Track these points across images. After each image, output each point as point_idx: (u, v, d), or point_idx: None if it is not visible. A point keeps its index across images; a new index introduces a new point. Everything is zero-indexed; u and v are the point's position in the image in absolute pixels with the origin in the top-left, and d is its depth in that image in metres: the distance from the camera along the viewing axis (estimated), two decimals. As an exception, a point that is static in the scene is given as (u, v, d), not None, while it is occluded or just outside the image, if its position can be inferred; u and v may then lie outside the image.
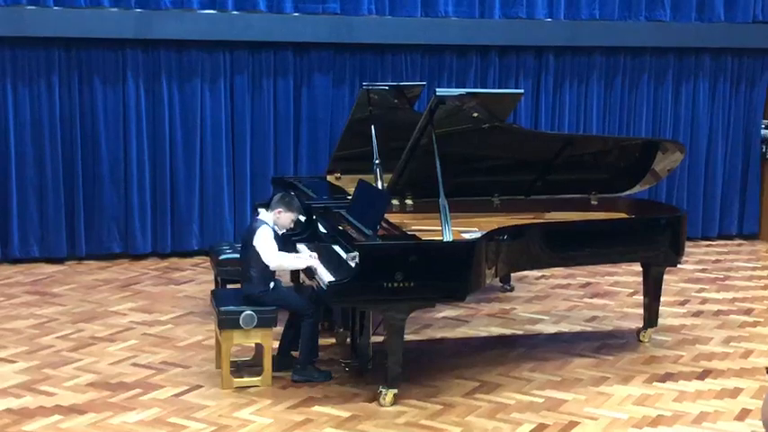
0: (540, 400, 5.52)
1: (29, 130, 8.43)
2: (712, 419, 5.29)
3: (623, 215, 6.74)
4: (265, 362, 5.63)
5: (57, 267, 8.49)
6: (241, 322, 5.51)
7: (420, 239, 5.54)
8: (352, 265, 5.29)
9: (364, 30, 8.98)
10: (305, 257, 5.67)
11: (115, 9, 8.45)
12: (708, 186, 10.30)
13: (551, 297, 7.82)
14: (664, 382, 5.88)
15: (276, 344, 5.85)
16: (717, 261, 9.36)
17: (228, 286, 6.60)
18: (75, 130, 8.54)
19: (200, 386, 5.63)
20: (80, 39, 8.41)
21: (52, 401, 5.35)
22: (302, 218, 6.44)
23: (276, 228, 5.65)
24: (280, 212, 5.64)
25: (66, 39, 8.38)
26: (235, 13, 8.73)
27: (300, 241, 6.15)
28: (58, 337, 6.50)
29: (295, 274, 6.79)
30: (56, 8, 8.30)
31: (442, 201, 5.45)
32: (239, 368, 5.81)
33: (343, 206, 6.22)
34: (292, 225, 5.83)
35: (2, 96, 8.34)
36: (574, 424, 5.19)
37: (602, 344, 6.59)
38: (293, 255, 5.77)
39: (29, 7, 8.24)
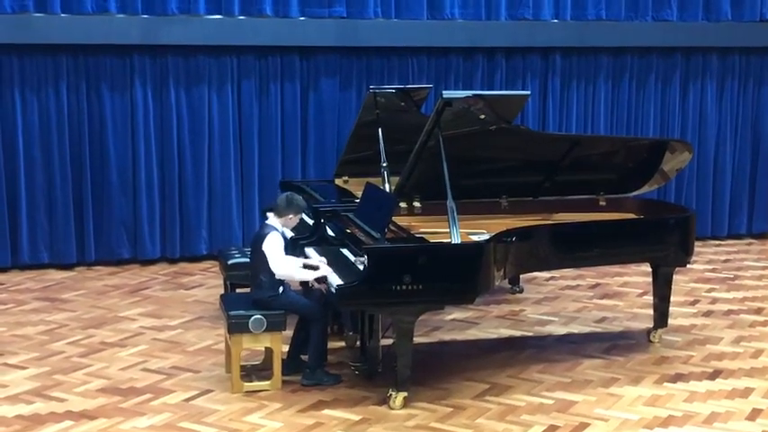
0: (550, 402, 5.51)
1: (37, 137, 8.46)
2: (723, 419, 5.28)
3: (632, 216, 6.73)
4: (275, 366, 5.63)
5: (66, 273, 8.52)
6: (250, 326, 5.51)
7: (428, 242, 5.54)
8: (361, 268, 5.29)
9: (370, 33, 8.99)
10: (314, 268, 5.65)
11: (122, 15, 8.47)
12: (717, 186, 10.27)
13: (561, 298, 7.81)
14: (674, 382, 5.86)
15: (286, 348, 5.85)
16: (726, 260, 9.33)
17: (237, 290, 6.61)
18: (84, 137, 8.57)
19: (211, 390, 5.63)
20: (87, 45, 8.43)
21: (63, 407, 5.36)
22: (310, 220, 6.46)
23: (285, 231, 5.67)
24: (291, 218, 5.66)
25: (73, 45, 8.41)
26: (241, 18, 8.75)
27: (309, 245, 6.16)
28: (68, 343, 6.52)
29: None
30: (63, 15, 8.33)
31: (450, 203, 5.45)
32: (249, 372, 5.82)
33: (350, 209, 6.22)
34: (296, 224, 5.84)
35: (10, 103, 8.37)
36: (584, 425, 5.18)
37: (612, 345, 6.57)
38: (302, 262, 5.75)
39: (36, 14, 8.27)
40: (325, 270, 5.59)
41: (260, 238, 5.61)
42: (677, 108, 10.06)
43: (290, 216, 5.65)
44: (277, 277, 5.59)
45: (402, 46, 9.14)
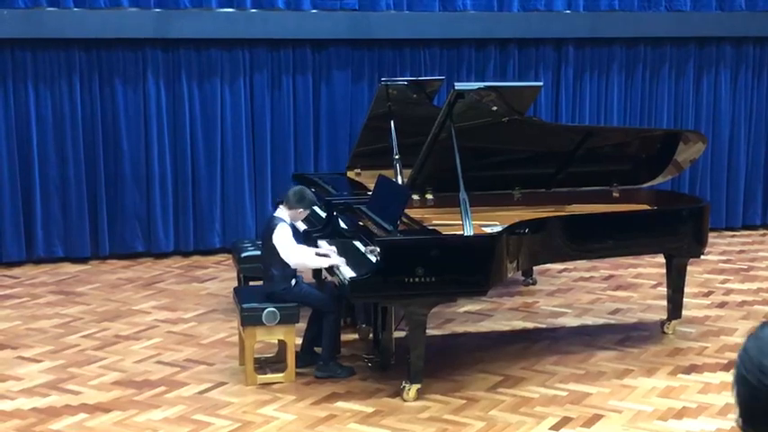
0: (564, 394, 5.50)
1: (51, 132, 8.49)
2: (738, 411, 5.25)
3: (645, 207, 6.71)
4: (288, 358, 5.65)
5: (80, 267, 8.55)
6: (264, 319, 5.53)
7: (441, 234, 5.53)
8: (371, 257, 5.29)
9: (382, 25, 8.98)
10: (325, 256, 5.68)
11: (134, 9, 8.49)
12: (731, 176, 10.22)
13: (574, 290, 7.79)
14: (688, 373, 5.84)
15: (299, 340, 5.86)
16: (741, 251, 9.29)
17: (251, 283, 6.63)
18: (97, 131, 8.59)
19: (224, 383, 5.65)
20: (100, 39, 8.45)
21: (78, 400, 5.39)
22: (322, 213, 6.46)
23: (293, 223, 5.68)
24: (300, 212, 5.67)
25: (86, 39, 8.43)
26: (253, 10, 8.75)
27: (321, 237, 6.17)
28: (82, 336, 6.55)
29: (317, 270, 6.80)
30: (75, 9, 8.35)
31: (463, 195, 5.44)
32: (262, 365, 5.84)
33: (363, 202, 6.22)
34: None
35: (24, 98, 8.40)
36: (598, 417, 5.17)
37: (626, 336, 6.56)
38: (313, 251, 5.78)
39: (49, 9, 8.29)
40: (337, 259, 5.60)
41: (269, 230, 5.62)
42: (691, 98, 10.02)
43: (300, 210, 5.67)
44: (292, 267, 5.60)
45: (414, 38, 9.13)
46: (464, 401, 5.37)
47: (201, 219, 8.95)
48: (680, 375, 5.81)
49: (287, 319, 5.57)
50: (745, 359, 1.75)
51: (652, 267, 8.28)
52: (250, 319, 5.55)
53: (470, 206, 5.45)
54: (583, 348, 6.30)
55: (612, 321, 6.97)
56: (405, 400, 5.35)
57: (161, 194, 8.79)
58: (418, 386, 5.39)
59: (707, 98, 10.05)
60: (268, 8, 8.76)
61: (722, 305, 7.36)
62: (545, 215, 6.15)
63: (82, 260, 8.68)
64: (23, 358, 6.11)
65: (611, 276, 8.23)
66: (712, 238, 8.08)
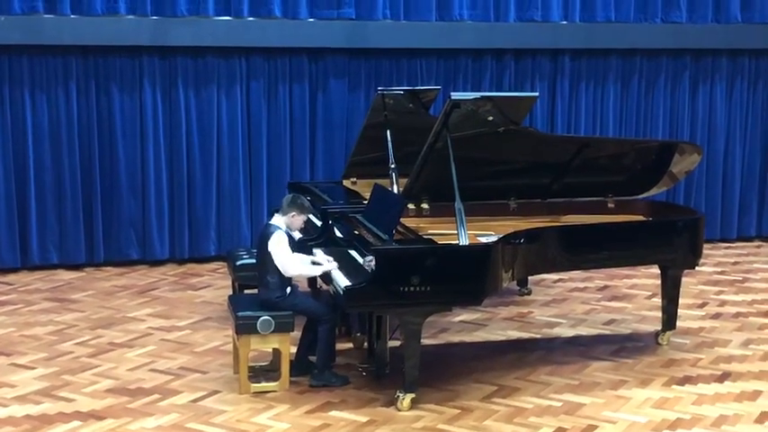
0: (558, 404, 5.50)
1: (47, 138, 8.48)
2: (732, 422, 5.26)
3: (641, 218, 6.72)
4: (283, 367, 5.64)
5: (75, 274, 8.54)
6: (258, 327, 5.52)
7: (436, 243, 5.53)
8: (369, 269, 5.30)
9: (379, 35, 9.00)
10: (322, 264, 5.69)
11: (131, 16, 8.49)
12: (726, 188, 10.24)
13: (569, 300, 7.80)
14: (683, 385, 5.85)
15: (293, 349, 5.86)
16: (735, 263, 9.31)
17: (246, 291, 6.62)
18: (93, 138, 8.59)
19: (218, 391, 5.64)
20: (97, 46, 8.46)
21: (71, 407, 5.38)
22: (318, 222, 6.47)
23: (289, 231, 5.67)
24: (294, 216, 5.66)
25: (83, 46, 8.43)
26: (250, 19, 8.76)
27: (317, 246, 6.17)
28: (76, 344, 6.54)
29: (312, 279, 6.80)
30: (72, 16, 8.35)
31: (458, 204, 5.44)
32: (257, 373, 5.83)
33: (359, 211, 6.23)
34: (303, 226, 5.85)
35: (20, 104, 8.40)
36: (592, 428, 5.17)
37: (621, 347, 6.56)
38: (309, 260, 5.78)
39: (46, 15, 8.29)
40: (333, 268, 5.61)
41: (264, 237, 5.61)
42: (686, 110, 10.04)
43: (293, 214, 5.64)
44: (287, 276, 5.59)
45: (411, 47, 9.14)
46: (458, 411, 5.37)
47: (197, 226, 8.94)
48: (674, 386, 5.81)
49: (282, 327, 5.56)
50: None
51: (647, 278, 8.29)
52: (245, 328, 5.55)
53: (466, 216, 5.45)
54: (577, 359, 6.30)
55: (607, 332, 6.98)
56: (399, 410, 5.34)
57: (156, 202, 8.78)
58: (413, 395, 5.38)
59: (702, 110, 10.08)
60: (265, 16, 8.77)
61: (717, 316, 7.36)
62: (540, 225, 6.16)
63: (77, 267, 8.67)
64: (17, 365, 6.10)
65: (605, 287, 8.23)
66: (707, 249, 8.09)
